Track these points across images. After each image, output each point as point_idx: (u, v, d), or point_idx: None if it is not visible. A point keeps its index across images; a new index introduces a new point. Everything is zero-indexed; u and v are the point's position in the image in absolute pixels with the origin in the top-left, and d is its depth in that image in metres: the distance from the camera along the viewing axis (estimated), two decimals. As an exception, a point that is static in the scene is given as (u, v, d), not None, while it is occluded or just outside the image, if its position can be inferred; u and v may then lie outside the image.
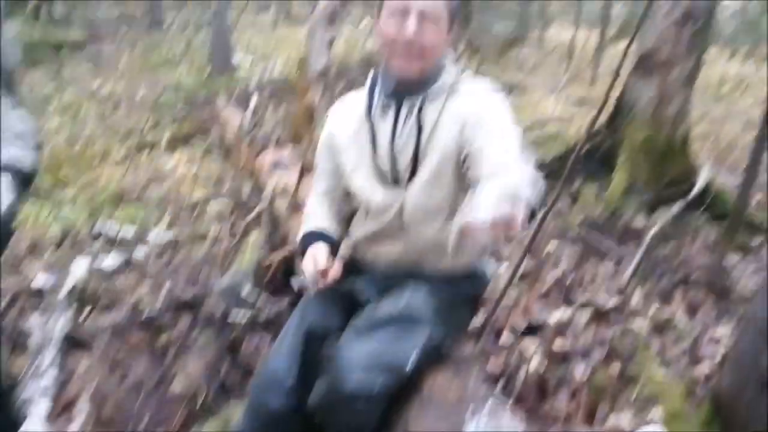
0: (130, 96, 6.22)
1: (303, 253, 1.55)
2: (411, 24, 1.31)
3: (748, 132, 5.24)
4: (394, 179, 1.45)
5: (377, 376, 1.31)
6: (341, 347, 1.38)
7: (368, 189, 1.48)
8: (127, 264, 3.04)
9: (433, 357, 1.40)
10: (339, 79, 7.42)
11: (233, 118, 4.62)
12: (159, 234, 3.33)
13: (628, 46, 2.16)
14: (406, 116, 1.40)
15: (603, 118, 4.34)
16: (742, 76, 8.73)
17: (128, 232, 3.34)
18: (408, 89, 1.40)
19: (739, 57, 10.11)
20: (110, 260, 3.05)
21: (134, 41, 9.39)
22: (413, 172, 1.42)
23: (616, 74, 2.03)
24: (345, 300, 1.53)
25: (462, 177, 1.38)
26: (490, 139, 1.29)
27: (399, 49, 1.35)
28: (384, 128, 1.43)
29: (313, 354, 1.47)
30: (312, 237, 1.57)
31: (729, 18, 11.16)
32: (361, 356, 1.34)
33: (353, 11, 13.11)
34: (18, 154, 1.34)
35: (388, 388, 1.32)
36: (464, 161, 1.36)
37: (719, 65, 9.83)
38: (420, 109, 1.39)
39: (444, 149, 1.38)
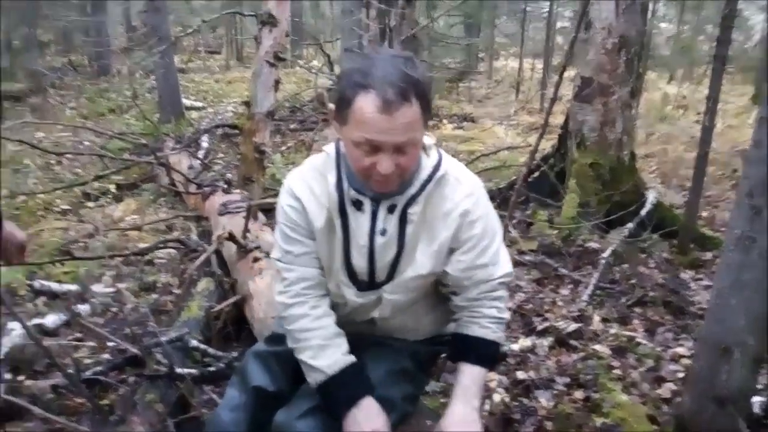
0: (75, 146, 6.05)
1: (336, 403, 1.29)
2: (386, 164, 1.13)
3: (692, 149, 5.42)
4: (369, 283, 1.33)
5: None
6: (294, 423, 1.31)
7: (339, 290, 1.35)
8: (69, 322, 2.88)
9: (394, 425, 1.34)
10: (291, 118, 7.45)
11: (182, 164, 4.53)
12: (104, 288, 3.18)
13: (561, 74, 2.22)
14: (386, 216, 1.26)
15: (551, 143, 4.44)
16: (682, 97, 9.10)
17: (71, 288, 3.18)
18: (386, 194, 1.25)
19: (677, 79, 10.57)
20: (51, 319, 2.89)
21: (80, 90, 9.21)
22: (391, 275, 1.31)
23: (552, 102, 2.07)
24: (292, 361, 1.37)
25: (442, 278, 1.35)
26: (477, 257, 1.29)
27: (373, 179, 1.18)
28: (361, 227, 1.27)
29: (262, 413, 1.40)
30: (348, 386, 1.29)
31: (665, 43, 11.69)
32: None
33: (303, 50, 13.23)
34: None
35: None
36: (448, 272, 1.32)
37: (660, 87, 10.25)
38: (402, 209, 1.25)
39: (429, 254, 1.28)
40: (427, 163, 1.25)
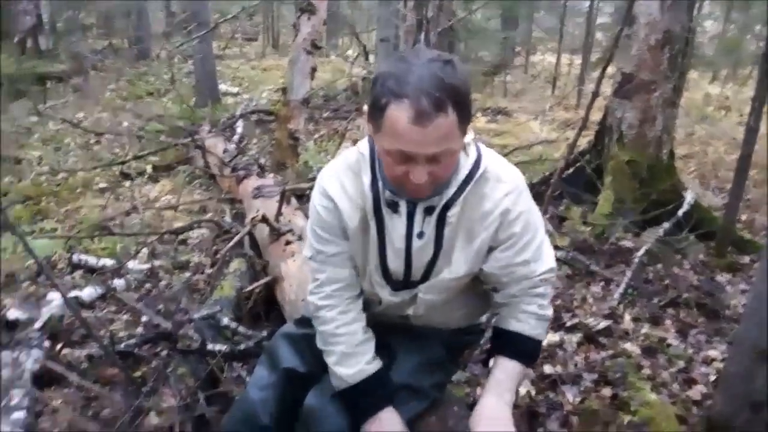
0: (114, 126, 6.19)
1: (356, 410, 1.31)
2: (419, 174, 1.09)
3: (733, 152, 5.28)
4: (404, 282, 1.32)
5: None
6: (324, 404, 1.33)
7: (372, 289, 1.35)
8: (105, 295, 2.96)
9: (421, 412, 1.36)
10: (325, 106, 7.48)
11: (217, 147, 4.59)
12: (139, 264, 3.26)
13: (604, 69, 2.18)
14: (424, 219, 1.23)
15: (587, 140, 4.37)
16: (725, 98, 8.85)
17: (107, 263, 3.27)
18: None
19: (721, 79, 10.29)
20: (88, 292, 2.97)
21: (120, 72, 9.40)
22: (427, 275, 1.30)
23: (593, 97, 2.04)
24: None
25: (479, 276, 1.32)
26: (516, 254, 1.26)
27: (406, 187, 1.15)
28: (396, 229, 1.24)
29: (292, 393, 1.42)
30: (368, 396, 1.30)
31: (708, 42, 11.38)
32: (345, 419, 1.30)
33: (340, 39, 13.26)
34: None
35: None
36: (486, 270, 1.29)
37: (702, 87, 9.98)
38: (440, 211, 1.22)
39: (467, 256, 1.25)
40: (466, 162, 1.21)
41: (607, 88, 4.41)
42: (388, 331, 1.40)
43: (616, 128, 3.97)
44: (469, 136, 1.21)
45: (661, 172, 3.90)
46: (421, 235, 1.24)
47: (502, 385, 1.31)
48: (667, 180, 3.92)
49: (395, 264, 1.28)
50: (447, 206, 1.21)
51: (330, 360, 1.33)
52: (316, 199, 1.30)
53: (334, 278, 1.32)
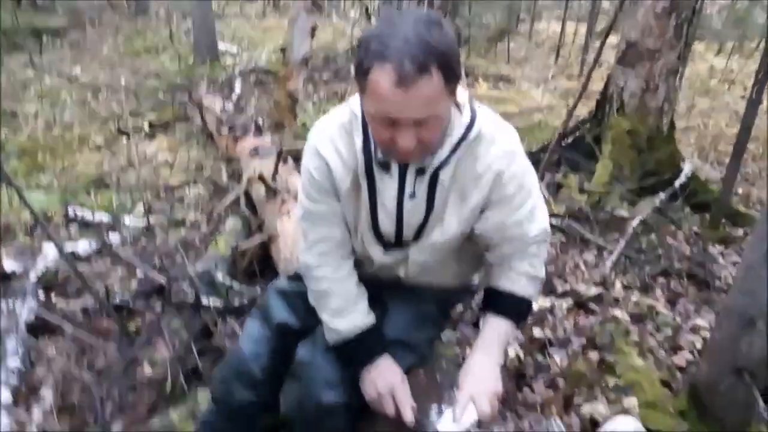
0: (111, 82, 6.11)
1: (351, 362, 1.31)
2: (405, 139, 1.07)
3: (734, 126, 5.25)
4: (396, 243, 1.31)
5: (352, 393, 1.30)
6: (315, 356, 1.34)
7: (364, 249, 1.34)
8: (101, 250, 2.97)
9: (411, 367, 1.37)
10: (325, 68, 7.39)
11: (215, 106, 4.55)
12: (135, 220, 3.26)
13: (606, 36, 2.14)
14: (415, 180, 1.21)
15: (587, 108, 4.33)
16: (729, 71, 8.75)
17: (103, 217, 3.27)
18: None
19: (726, 52, 10.14)
20: (83, 246, 2.98)
21: (118, 28, 9.24)
22: (419, 235, 1.29)
23: (594, 63, 2.01)
24: None
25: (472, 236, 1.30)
26: (509, 215, 1.24)
27: (396, 153, 1.13)
28: (388, 189, 1.23)
29: (283, 347, 1.43)
30: (363, 348, 1.31)
31: (716, 14, 11.17)
32: (337, 371, 1.31)
33: (342, 1, 13.01)
34: None
35: (363, 403, 1.30)
36: (477, 231, 1.27)
37: (707, 60, 9.85)
38: (432, 173, 1.20)
39: (459, 217, 1.24)
40: (460, 122, 1.17)
41: (611, 58, 4.35)
42: (380, 287, 1.41)
43: (617, 97, 3.93)
44: (464, 96, 1.19)
45: (660, 143, 3.89)
46: (412, 195, 1.22)
47: (491, 343, 1.31)
48: (666, 151, 3.90)
49: (386, 224, 1.27)
50: (439, 167, 1.19)
51: (324, 315, 1.33)
52: (307, 159, 1.28)
53: (326, 237, 1.31)
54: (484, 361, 1.29)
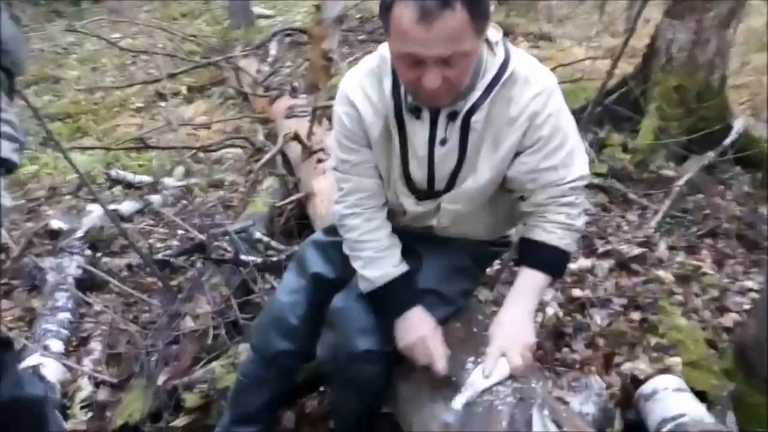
0: (149, 47, 6.17)
1: (383, 312, 1.30)
2: (431, 79, 1.03)
3: (790, 82, 4.97)
4: (428, 192, 1.28)
5: (386, 341, 1.30)
6: (351, 304, 1.34)
7: (397, 199, 1.32)
8: (143, 210, 3.04)
9: (446, 318, 1.36)
10: (360, 28, 7.27)
11: (250, 68, 4.55)
12: (175, 181, 3.32)
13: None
14: (447, 125, 1.17)
15: (633, 64, 4.15)
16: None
17: (144, 179, 3.34)
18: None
19: (784, 6, 9.55)
20: (126, 206, 3.06)
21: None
22: (451, 184, 1.26)
23: (636, 16, 1.89)
24: None
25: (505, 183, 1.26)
26: (543, 159, 1.19)
27: (423, 95, 1.10)
28: (418, 135, 1.19)
29: (319, 298, 1.43)
30: (395, 297, 1.29)
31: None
32: (371, 319, 1.31)
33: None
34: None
35: (397, 351, 1.30)
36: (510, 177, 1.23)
37: (764, 13, 9.31)
38: (465, 117, 1.16)
39: (492, 163, 1.20)
40: (493, 63, 1.13)
41: (658, 16, 4.14)
42: (414, 239, 1.39)
43: (665, 51, 3.75)
44: (497, 36, 1.14)
45: (710, 99, 3.70)
46: (444, 141, 1.18)
47: (524, 294, 1.27)
48: (716, 108, 3.71)
49: (418, 172, 1.25)
50: (471, 111, 1.15)
51: (357, 264, 1.33)
52: (338, 107, 1.26)
53: (359, 187, 1.30)
54: (515, 313, 1.26)
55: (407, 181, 1.28)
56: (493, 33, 1.14)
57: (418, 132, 1.20)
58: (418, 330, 1.26)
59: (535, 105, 1.15)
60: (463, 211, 1.31)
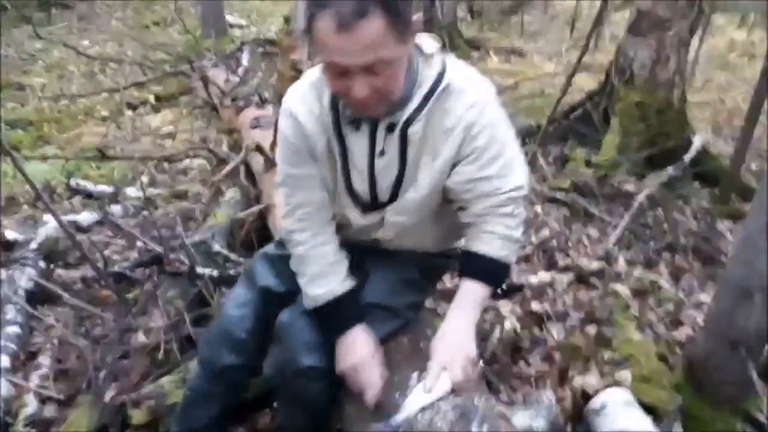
0: (118, 55, 6.10)
1: (327, 329, 1.29)
2: (358, 88, 1.04)
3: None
4: (372, 204, 1.28)
5: (332, 358, 1.28)
6: (297, 320, 1.33)
7: (343, 212, 1.32)
8: (102, 221, 2.99)
9: (394, 332, 1.36)
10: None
11: (219, 78, 4.52)
12: (136, 192, 3.27)
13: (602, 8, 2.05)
14: (386, 136, 1.18)
15: (596, 81, 4.24)
16: (750, 44, 8.51)
17: (105, 189, 3.28)
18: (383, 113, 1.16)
19: (748, 24, 9.85)
20: (85, 216, 3.00)
21: (126, 1, 9.20)
22: (394, 196, 1.25)
23: (592, 29, 1.93)
24: None
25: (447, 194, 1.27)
26: (479, 169, 1.19)
27: (353, 103, 1.11)
28: (358, 147, 1.20)
29: (268, 312, 1.42)
30: (338, 315, 1.28)
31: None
32: (317, 335, 1.30)
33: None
34: None
35: None
36: (448, 188, 1.23)
37: (727, 33, 9.58)
38: (402, 128, 1.16)
39: (433, 173, 1.20)
40: (429, 74, 1.14)
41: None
42: (363, 253, 1.39)
43: (627, 68, 3.84)
44: (433, 47, 1.15)
45: (670, 116, 3.79)
46: (383, 153, 1.19)
47: (465, 306, 1.27)
48: (676, 124, 3.81)
49: (360, 184, 1.25)
50: (408, 122, 1.15)
51: (302, 281, 1.32)
52: (282, 121, 1.24)
53: (306, 202, 1.29)
54: (457, 324, 1.25)
55: (351, 193, 1.27)
56: (430, 44, 1.15)
57: (357, 144, 1.20)
58: (354, 355, 1.25)
59: (470, 116, 1.15)
60: (408, 223, 1.30)
